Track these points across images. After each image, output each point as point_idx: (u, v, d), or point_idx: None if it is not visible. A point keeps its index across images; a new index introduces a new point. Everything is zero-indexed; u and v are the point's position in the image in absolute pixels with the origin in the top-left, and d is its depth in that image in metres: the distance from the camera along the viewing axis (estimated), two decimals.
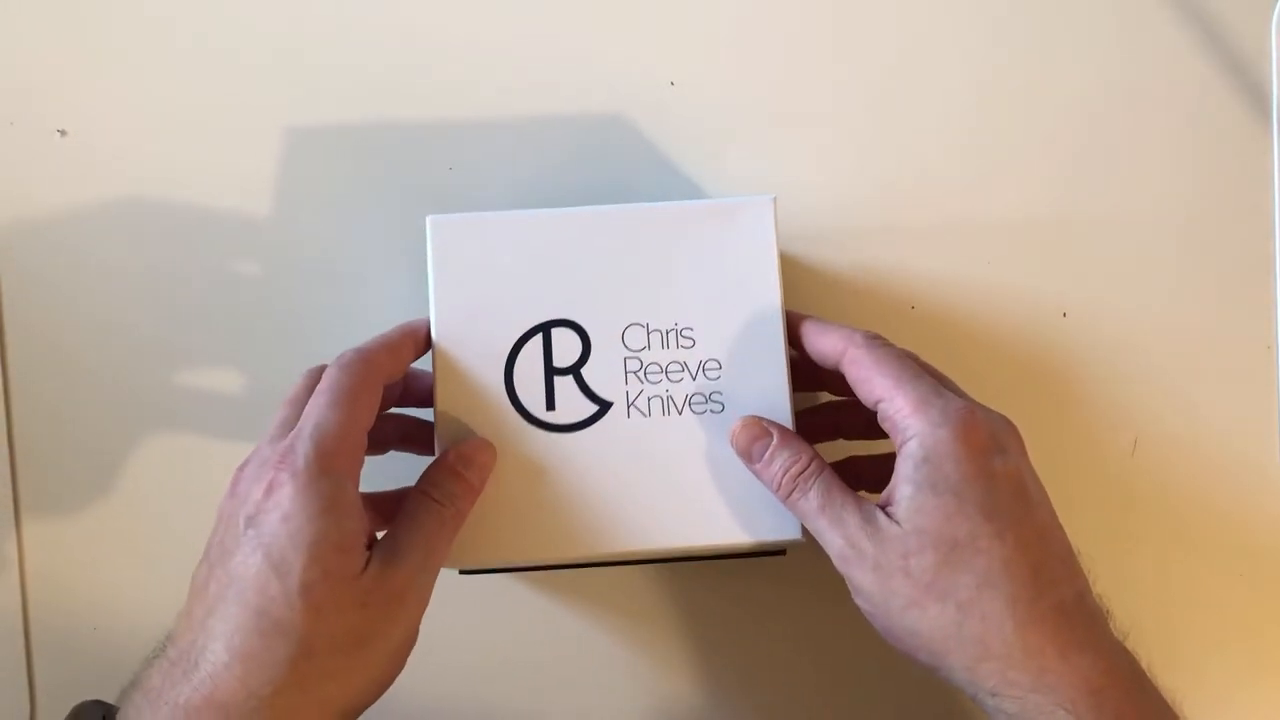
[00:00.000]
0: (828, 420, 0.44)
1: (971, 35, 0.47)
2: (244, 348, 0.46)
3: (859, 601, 0.37)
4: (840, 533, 0.36)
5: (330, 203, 0.46)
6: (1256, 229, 0.47)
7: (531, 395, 0.40)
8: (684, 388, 0.40)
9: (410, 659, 0.37)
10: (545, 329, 0.40)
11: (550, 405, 0.40)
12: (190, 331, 0.46)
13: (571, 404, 0.40)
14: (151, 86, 0.46)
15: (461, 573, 0.44)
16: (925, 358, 0.42)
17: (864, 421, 0.42)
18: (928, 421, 0.36)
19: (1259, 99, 0.47)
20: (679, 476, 0.40)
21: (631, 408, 0.40)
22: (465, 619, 0.46)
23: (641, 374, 0.40)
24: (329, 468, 0.34)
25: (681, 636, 0.47)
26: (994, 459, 0.36)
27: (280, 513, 0.33)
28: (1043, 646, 0.34)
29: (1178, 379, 0.47)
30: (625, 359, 0.40)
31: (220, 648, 0.33)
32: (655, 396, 0.40)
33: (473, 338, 0.40)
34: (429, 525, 0.37)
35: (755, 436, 0.39)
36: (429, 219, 0.40)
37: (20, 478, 0.46)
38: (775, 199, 0.41)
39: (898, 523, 0.35)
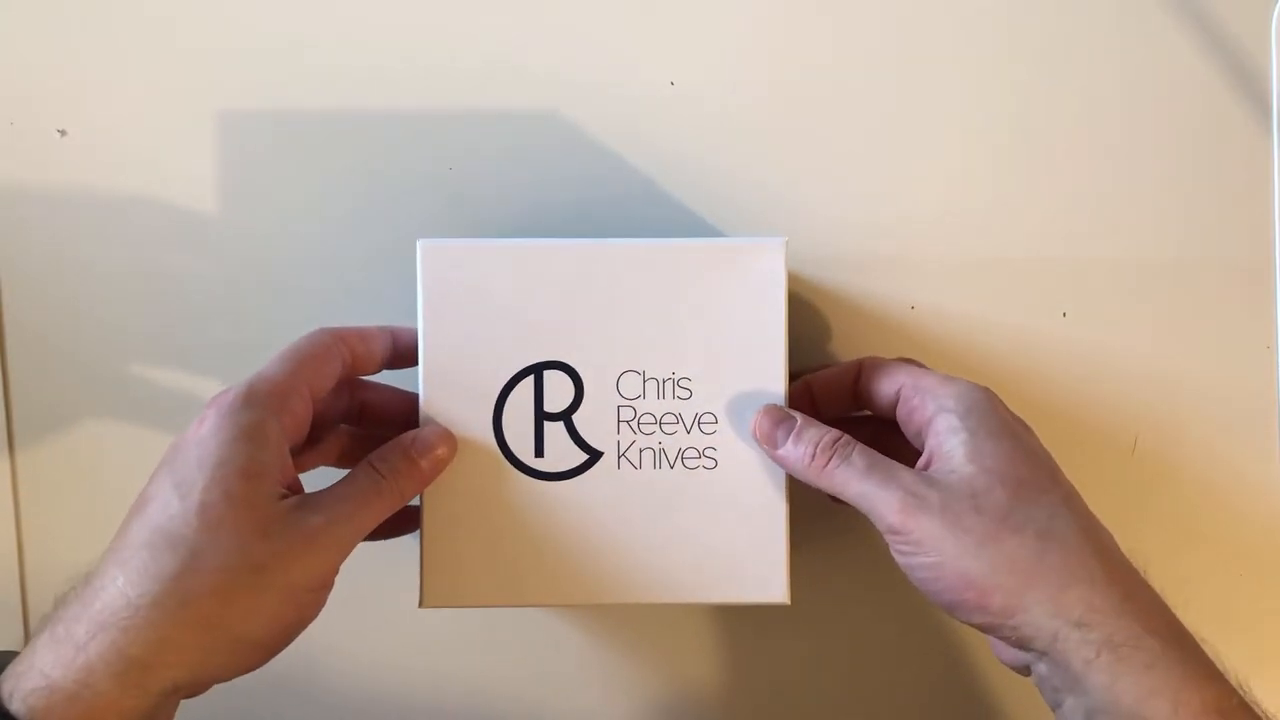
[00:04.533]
0: None
1: (971, 35, 0.46)
2: (243, 347, 0.46)
3: (916, 560, 0.36)
4: (897, 485, 0.36)
5: (332, 202, 0.46)
6: (1256, 229, 0.47)
7: (520, 440, 0.39)
8: (677, 441, 0.39)
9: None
10: (537, 371, 0.39)
11: (539, 452, 0.39)
12: (189, 331, 0.46)
13: (561, 452, 0.39)
14: (152, 86, 0.46)
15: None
16: (925, 358, 0.43)
17: None
18: (960, 387, 0.38)
19: (1259, 99, 0.47)
20: (666, 531, 0.39)
21: (622, 458, 0.39)
22: (462, 620, 0.47)
23: (634, 424, 0.39)
24: (253, 402, 0.35)
25: (684, 644, 0.47)
26: (1023, 425, 0.38)
27: (197, 439, 0.34)
28: (1121, 576, 0.35)
29: (1178, 379, 0.47)
30: (619, 407, 0.39)
31: (111, 562, 0.33)
32: (647, 448, 0.39)
33: (462, 375, 0.39)
34: (363, 485, 0.37)
35: (779, 420, 0.38)
36: (420, 244, 0.39)
37: (20, 476, 0.46)
38: (786, 241, 0.39)
39: (954, 470, 0.36)
